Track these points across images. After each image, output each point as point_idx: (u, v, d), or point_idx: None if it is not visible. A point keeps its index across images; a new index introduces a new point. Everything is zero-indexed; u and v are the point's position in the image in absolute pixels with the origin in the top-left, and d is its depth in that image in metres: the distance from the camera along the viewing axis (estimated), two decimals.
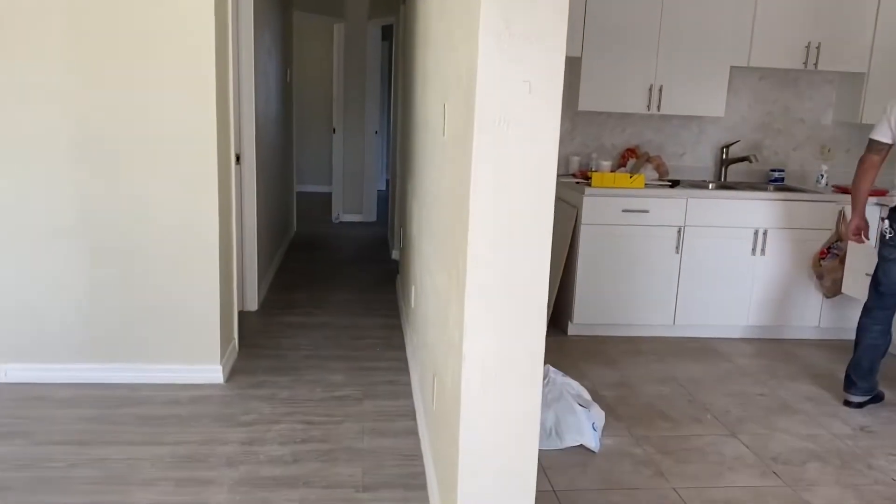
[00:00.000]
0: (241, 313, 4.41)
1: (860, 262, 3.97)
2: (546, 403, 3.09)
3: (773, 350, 4.41)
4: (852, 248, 4.05)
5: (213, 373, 3.58)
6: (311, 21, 8.23)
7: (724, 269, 4.43)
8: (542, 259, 1.90)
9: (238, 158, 4.40)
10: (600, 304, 4.43)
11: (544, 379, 3.16)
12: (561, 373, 3.33)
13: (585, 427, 3.06)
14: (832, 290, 4.38)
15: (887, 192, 4.47)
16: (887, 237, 3.49)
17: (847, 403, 3.66)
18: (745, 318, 4.52)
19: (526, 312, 1.93)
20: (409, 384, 3.65)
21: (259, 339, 4.25)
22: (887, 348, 3.65)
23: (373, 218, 8.33)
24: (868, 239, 3.77)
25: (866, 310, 3.65)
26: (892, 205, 3.51)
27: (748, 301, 4.49)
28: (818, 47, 4.47)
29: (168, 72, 3.29)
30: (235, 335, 3.96)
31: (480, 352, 1.93)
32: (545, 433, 3.06)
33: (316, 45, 9.70)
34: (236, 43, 4.25)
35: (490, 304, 1.91)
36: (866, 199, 3.64)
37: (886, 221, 3.50)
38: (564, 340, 4.43)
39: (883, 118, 3.51)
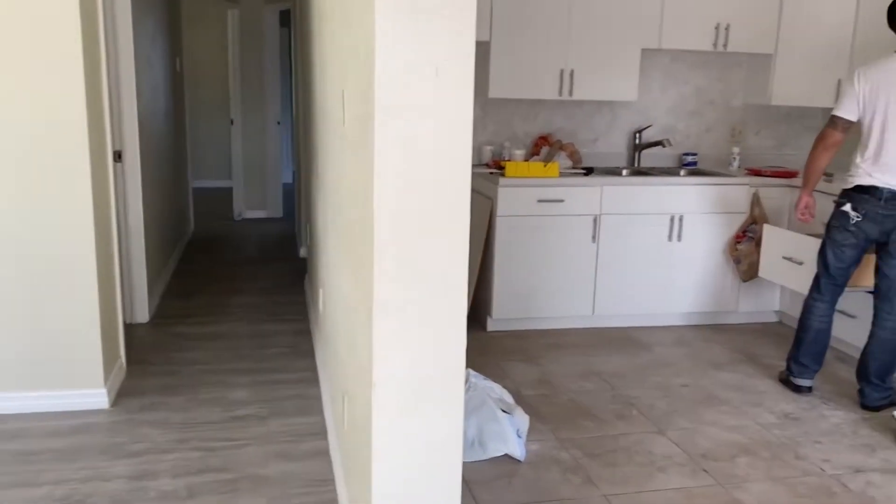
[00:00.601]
0: (128, 327, 4.01)
1: (776, 245, 3.93)
2: (468, 412, 2.88)
3: (693, 337, 4.34)
4: (768, 231, 4.01)
5: (96, 397, 3.20)
6: (202, 6, 7.73)
7: (641, 256, 4.33)
8: (459, 266, 1.67)
9: (119, 156, 3.97)
10: (519, 297, 4.25)
11: (465, 384, 2.95)
12: (482, 376, 3.13)
13: (509, 434, 2.86)
14: (749, 273, 4.35)
15: (797, 173, 4.48)
16: (853, 221, 3.29)
17: (797, 389, 3.56)
18: (665, 305, 4.44)
19: (444, 329, 1.69)
20: (319, 398, 3.37)
21: (150, 354, 3.86)
22: (831, 328, 3.54)
23: (279, 213, 7.93)
24: (814, 217, 3.62)
25: (815, 291, 3.51)
26: (850, 186, 3.33)
27: (666, 288, 4.41)
28: (727, 28, 4.41)
29: (25, 60, 2.87)
30: (122, 352, 3.56)
31: (392, 378, 1.68)
32: (468, 443, 2.85)
33: (209, 32, 9.15)
34: (112, 28, 3.82)
35: (402, 322, 1.66)
36: (819, 178, 3.50)
37: (849, 205, 3.30)
38: (484, 337, 4.24)
39: (850, 92, 3.28)
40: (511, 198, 4.12)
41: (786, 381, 3.65)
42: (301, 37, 5.22)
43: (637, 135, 4.76)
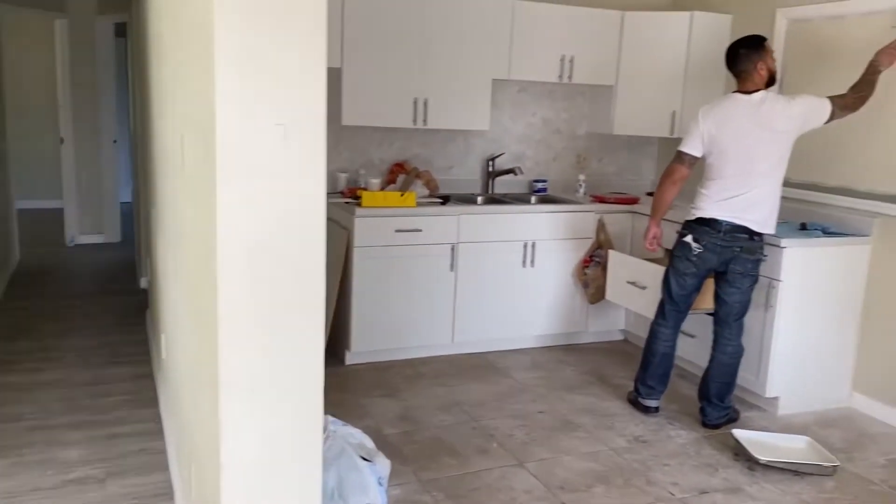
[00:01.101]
0: None
1: (621, 271, 4.11)
2: (327, 461, 2.76)
3: (547, 359, 4.46)
4: (613, 257, 4.19)
5: None
6: (22, 16, 7.09)
7: (497, 283, 4.40)
8: (314, 335, 1.58)
9: None
10: (378, 328, 4.18)
11: (323, 433, 2.84)
12: (341, 422, 3.02)
13: (370, 484, 2.78)
14: (596, 296, 4.52)
15: (638, 199, 4.72)
16: (695, 252, 3.45)
17: (646, 410, 3.71)
18: (520, 329, 4.53)
19: (299, 399, 1.59)
20: (164, 451, 3.13)
21: None
22: (675, 352, 3.71)
23: (117, 238, 7.40)
24: (661, 246, 3.79)
25: (660, 317, 3.67)
26: (692, 218, 3.49)
27: (521, 312, 4.50)
28: (572, 61, 4.58)
29: None
30: None
31: (242, 458, 1.56)
32: (327, 495, 2.73)
33: (33, 44, 8.43)
34: None
35: (253, 395, 1.55)
36: (667, 209, 3.64)
37: (690, 237, 3.46)
38: (343, 372, 4.13)
39: (695, 130, 3.45)
40: (368, 228, 4.05)
41: (634, 401, 3.81)
42: (137, 53, 4.89)
43: (490, 162, 4.84)
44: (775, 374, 3.73)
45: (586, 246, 4.54)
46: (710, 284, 3.62)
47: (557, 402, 3.85)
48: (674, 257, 3.58)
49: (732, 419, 3.64)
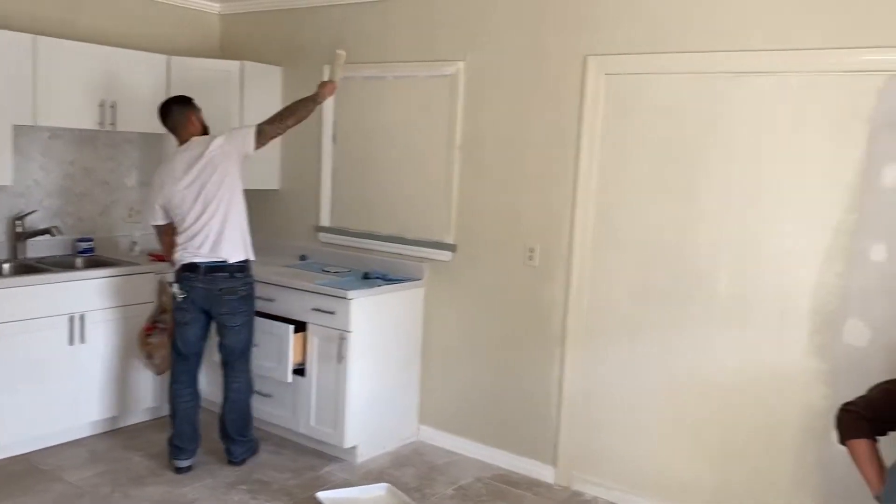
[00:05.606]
0: None
1: None
2: None
3: (109, 449, 3.86)
4: None
5: None
6: None
7: (37, 367, 3.68)
8: None
9: None
10: None
11: None
12: None
13: None
14: (163, 366, 4.07)
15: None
16: (178, 299, 3.55)
17: (178, 470, 3.62)
18: (72, 419, 3.86)
19: None
20: None
21: None
22: (200, 404, 3.73)
23: None
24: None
25: (175, 375, 3.67)
26: (176, 267, 3.57)
27: (72, 399, 3.84)
28: (114, 106, 4.09)
29: None
30: None
31: None
32: None
33: None
34: None
35: None
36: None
37: (176, 285, 3.56)
38: None
39: (151, 203, 3.62)
40: None
41: (169, 463, 3.67)
42: None
43: (18, 222, 4.06)
44: (352, 423, 3.79)
45: (147, 311, 4.08)
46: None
47: (125, 501, 3.34)
48: (173, 311, 3.66)
49: (255, 451, 3.82)
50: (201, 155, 3.48)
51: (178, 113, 3.58)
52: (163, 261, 4.23)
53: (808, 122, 2.99)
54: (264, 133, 3.55)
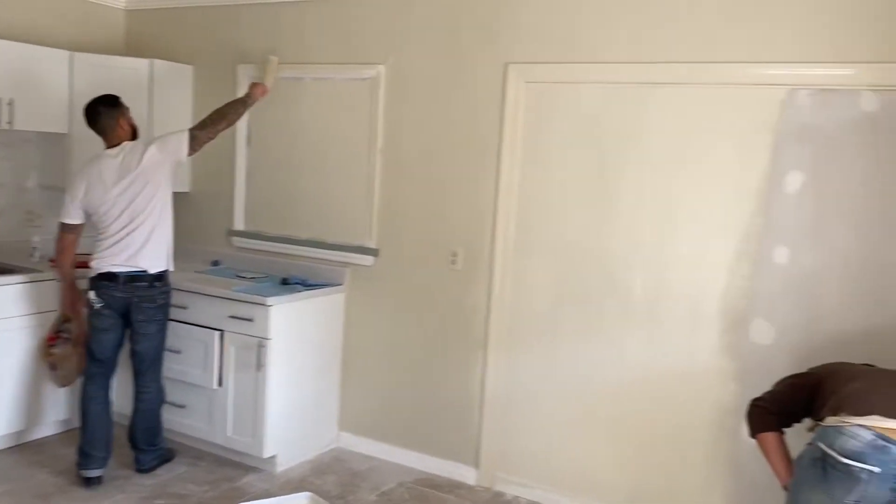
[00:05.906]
0: None
1: None
2: None
3: (13, 466, 3.64)
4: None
5: None
6: None
7: None
8: None
9: None
10: None
11: None
12: None
13: None
14: (69, 378, 3.86)
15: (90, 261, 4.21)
16: (96, 307, 3.48)
17: (87, 481, 3.49)
18: None
19: None
20: None
21: None
22: (112, 410, 3.63)
23: None
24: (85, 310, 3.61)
25: (88, 378, 3.58)
26: (93, 275, 3.49)
27: None
28: (11, 104, 3.85)
29: None
30: None
31: None
32: None
33: None
34: None
35: None
36: (72, 276, 3.59)
37: (93, 292, 3.48)
38: None
39: (68, 200, 3.48)
40: None
41: (77, 475, 3.52)
42: None
43: None
44: (271, 432, 3.71)
45: (50, 320, 3.86)
46: None
47: None
48: (90, 315, 3.54)
49: (167, 459, 3.76)
50: (135, 165, 3.40)
51: (107, 116, 3.46)
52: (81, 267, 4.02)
53: (719, 131, 3.14)
54: (197, 139, 3.51)
